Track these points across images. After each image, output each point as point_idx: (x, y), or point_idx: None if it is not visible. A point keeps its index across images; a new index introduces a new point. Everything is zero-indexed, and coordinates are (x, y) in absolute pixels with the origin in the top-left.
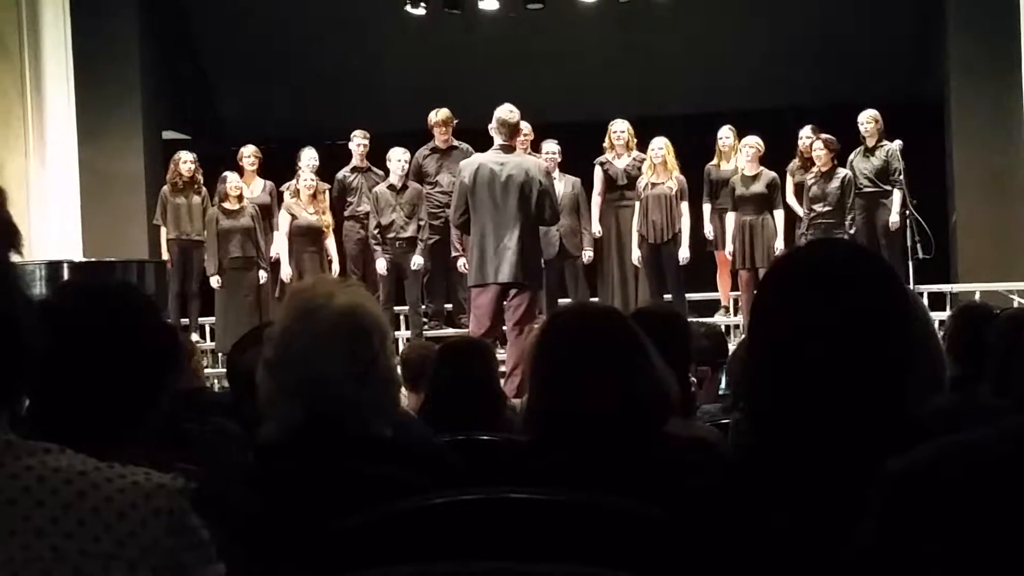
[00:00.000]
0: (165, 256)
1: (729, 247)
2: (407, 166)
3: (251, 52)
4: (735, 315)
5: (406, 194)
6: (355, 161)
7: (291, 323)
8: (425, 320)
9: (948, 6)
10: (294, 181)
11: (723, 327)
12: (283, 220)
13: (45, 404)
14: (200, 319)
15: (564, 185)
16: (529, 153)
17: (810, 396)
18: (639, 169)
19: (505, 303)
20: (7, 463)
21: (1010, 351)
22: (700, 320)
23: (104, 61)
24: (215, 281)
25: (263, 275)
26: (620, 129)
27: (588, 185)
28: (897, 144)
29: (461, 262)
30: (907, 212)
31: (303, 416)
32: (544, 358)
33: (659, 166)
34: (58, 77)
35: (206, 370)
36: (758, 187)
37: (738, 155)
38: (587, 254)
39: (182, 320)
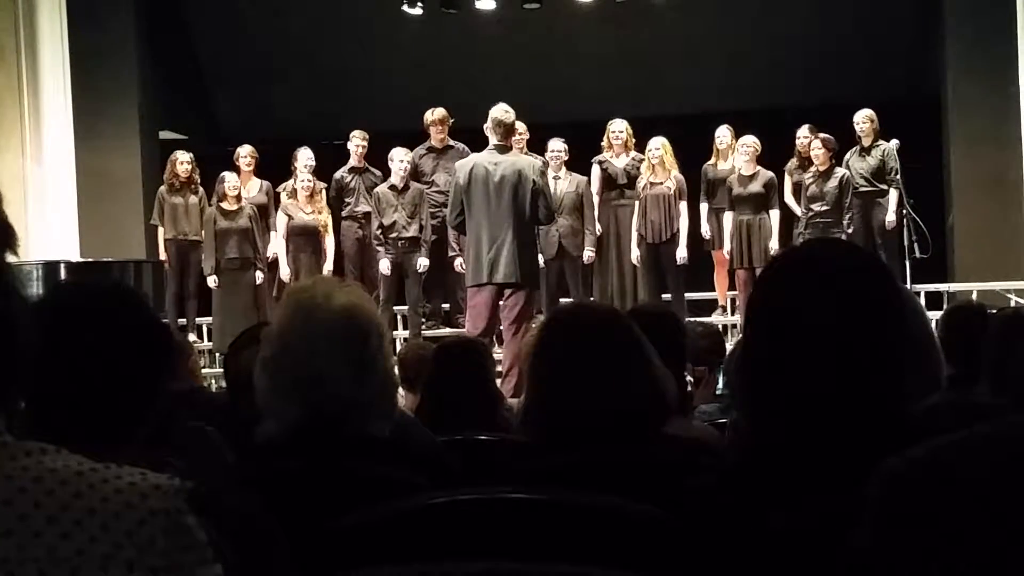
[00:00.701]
0: (162, 256)
1: (727, 246)
2: (409, 166)
3: (248, 52)
4: (732, 314)
5: (408, 194)
6: (353, 161)
7: (288, 323)
8: (423, 320)
9: (945, 6)
10: (291, 181)
11: (720, 326)
12: (280, 221)
13: (41, 405)
14: (198, 319)
15: (568, 184)
16: (526, 153)
17: (806, 396)
18: (638, 168)
19: (501, 302)
20: (3, 464)
21: (1007, 350)
22: (697, 319)
23: (101, 61)
24: (212, 281)
25: (260, 275)
26: (619, 129)
27: None
28: (894, 143)
29: (458, 262)
30: (904, 211)
31: (300, 416)
32: (542, 358)
33: (657, 166)
34: (55, 77)
35: (204, 370)
36: (755, 187)
37: (735, 155)
38: (588, 253)
39: (179, 320)
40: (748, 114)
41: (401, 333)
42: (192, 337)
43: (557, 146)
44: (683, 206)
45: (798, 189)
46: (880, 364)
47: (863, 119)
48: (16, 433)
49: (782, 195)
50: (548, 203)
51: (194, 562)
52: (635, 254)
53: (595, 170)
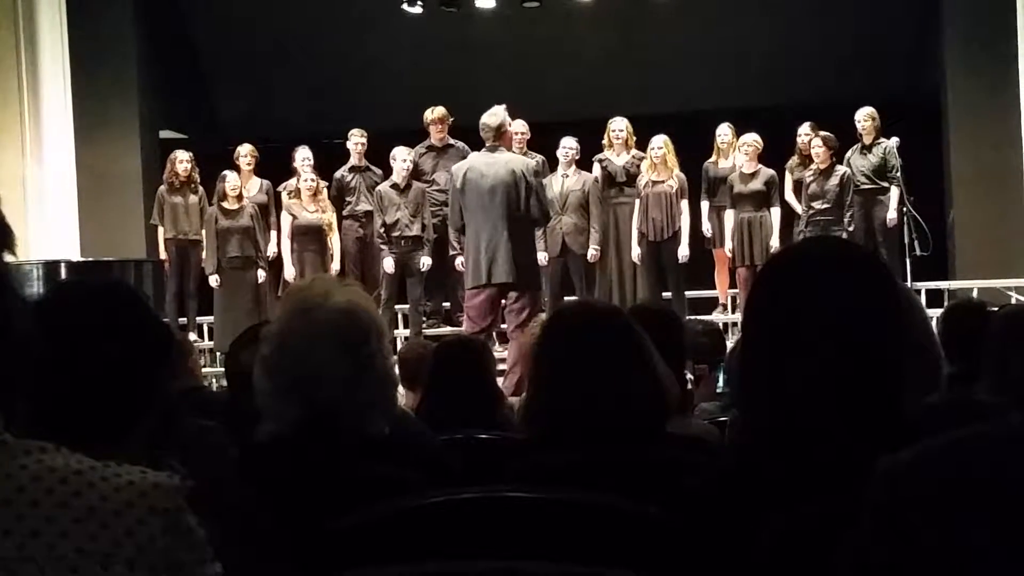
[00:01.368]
0: (162, 256)
1: (728, 244)
2: (411, 165)
3: (248, 51)
4: (733, 312)
5: (410, 193)
6: (353, 160)
7: (288, 322)
8: (425, 319)
9: (945, 4)
10: (292, 181)
11: (721, 324)
12: (284, 221)
13: (40, 404)
14: (198, 318)
15: (575, 182)
16: (525, 152)
17: (804, 395)
18: (638, 167)
19: (507, 305)
20: (2, 463)
21: (1008, 348)
22: (698, 318)
23: (101, 60)
24: (214, 280)
25: (261, 274)
26: (619, 127)
27: None
28: (894, 141)
29: (459, 261)
30: (904, 209)
31: (299, 415)
32: (544, 356)
33: (659, 164)
34: (55, 76)
35: (204, 369)
36: (756, 184)
37: (736, 153)
38: (592, 251)
39: (180, 319)
40: (749, 112)
41: (402, 332)
42: (192, 336)
43: (569, 144)
44: (684, 204)
45: (799, 187)
46: (879, 363)
47: (864, 117)
48: (16, 432)
49: (783, 193)
50: (542, 202)
51: (194, 560)
52: (636, 252)
53: (595, 168)
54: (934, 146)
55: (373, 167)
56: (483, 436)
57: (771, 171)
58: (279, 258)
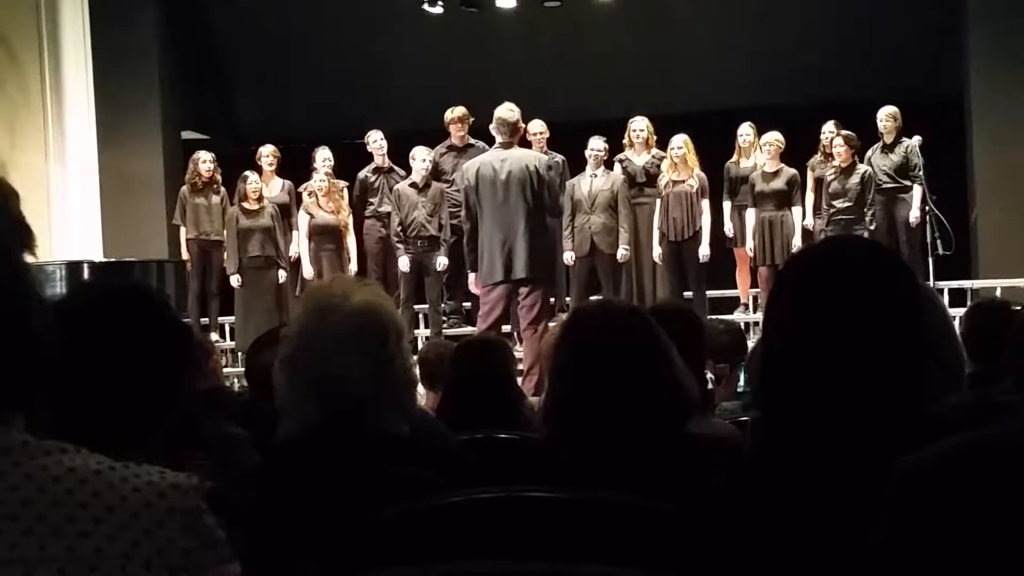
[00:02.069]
0: (185, 256)
1: (749, 244)
2: (430, 165)
3: (269, 52)
4: (755, 312)
5: (428, 193)
6: (377, 161)
7: (307, 322)
8: (445, 319)
9: (968, 2)
10: (312, 181)
11: (742, 324)
12: (302, 220)
13: (61, 405)
14: (220, 318)
15: (604, 182)
16: (544, 152)
17: (825, 394)
18: (658, 167)
19: (519, 302)
20: (23, 463)
21: None
22: (719, 317)
23: (123, 62)
24: (235, 280)
25: (282, 274)
26: (639, 127)
27: None
28: (916, 140)
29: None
30: (927, 208)
31: (319, 415)
32: (565, 356)
33: (680, 164)
34: (77, 78)
35: (226, 369)
36: (778, 183)
37: (759, 151)
38: (622, 251)
39: (202, 319)
40: (770, 111)
41: (422, 332)
42: (214, 336)
43: (597, 144)
44: (705, 204)
45: (820, 185)
46: (900, 362)
47: (886, 116)
48: (37, 433)
49: (804, 192)
50: (555, 195)
51: (212, 560)
52: (656, 252)
53: (616, 168)
54: (957, 144)
55: (396, 168)
56: (503, 436)
57: (793, 170)
58: (300, 258)
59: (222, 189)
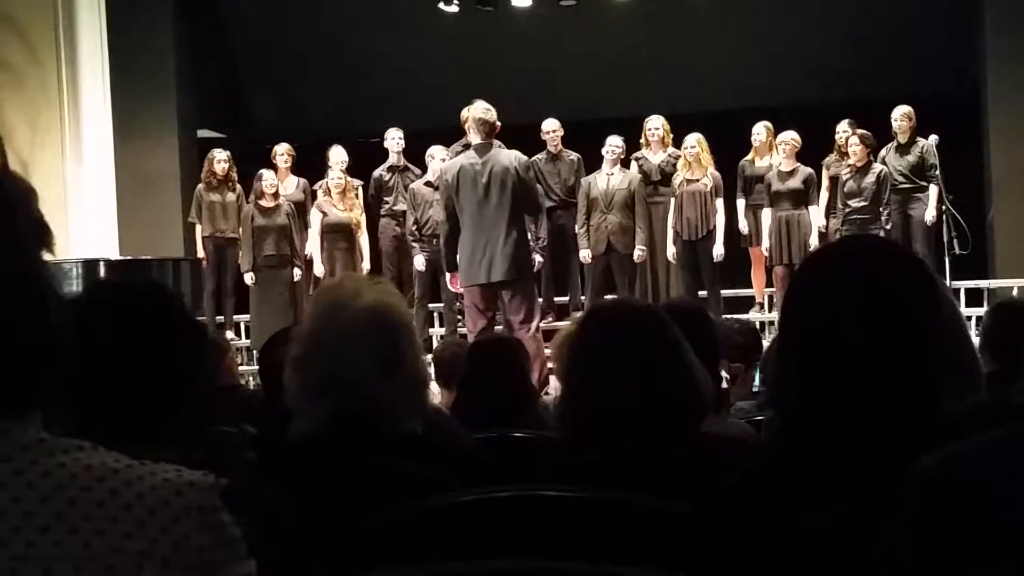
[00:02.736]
0: (200, 254)
1: (765, 243)
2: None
3: (285, 50)
4: (770, 311)
5: None
6: (392, 159)
7: (317, 321)
8: (460, 317)
9: (984, 2)
10: (326, 179)
11: (757, 323)
12: (315, 218)
13: (77, 402)
14: (235, 316)
15: (621, 181)
16: (561, 150)
17: (841, 394)
18: (674, 165)
19: (506, 303)
20: (40, 461)
21: None
22: (734, 316)
23: (139, 60)
24: (249, 278)
25: (297, 273)
26: (655, 126)
27: None
28: (932, 140)
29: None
30: (943, 208)
31: (330, 414)
32: (580, 355)
33: (693, 162)
34: (94, 76)
35: (241, 367)
36: (794, 182)
37: (775, 150)
38: (639, 251)
39: (217, 317)
40: (785, 110)
41: (437, 330)
42: (230, 334)
43: (614, 142)
44: (719, 203)
45: (835, 184)
46: (917, 362)
47: (901, 116)
48: (53, 430)
49: (820, 191)
50: (534, 195)
51: (228, 559)
52: (671, 251)
53: (632, 167)
54: (973, 143)
55: (412, 166)
56: (518, 435)
57: (809, 169)
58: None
59: (238, 187)
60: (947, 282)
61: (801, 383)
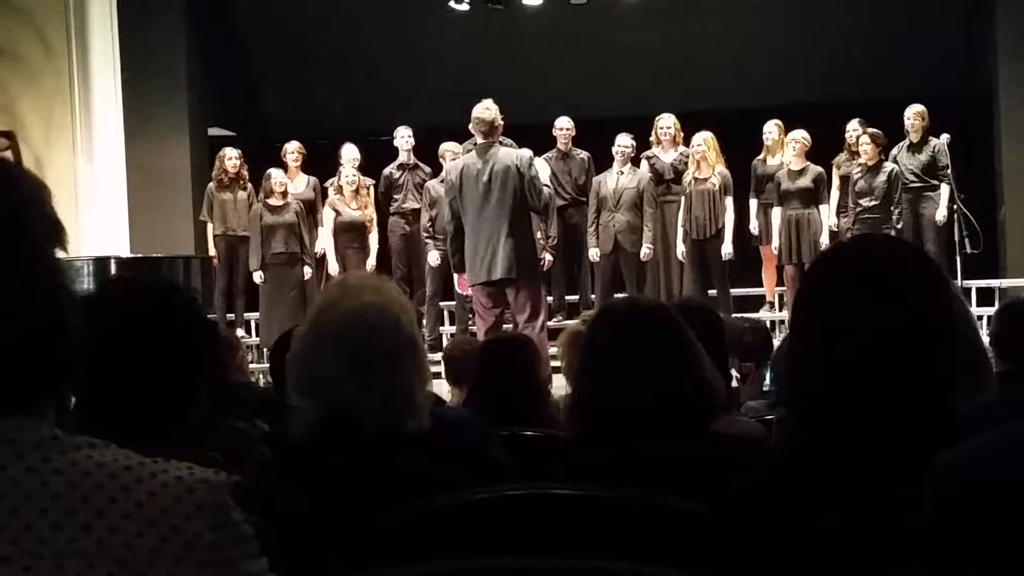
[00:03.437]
0: (211, 252)
1: (775, 242)
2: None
3: (295, 49)
4: (780, 310)
5: None
6: (402, 158)
7: (311, 320)
8: (471, 316)
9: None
10: (337, 177)
11: (768, 322)
12: (327, 216)
13: (89, 400)
14: (246, 314)
15: (630, 179)
16: (570, 149)
17: (852, 393)
18: (685, 164)
19: (511, 303)
20: (52, 458)
21: None
22: (745, 315)
23: (150, 58)
24: (258, 276)
25: (307, 271)
26: (666, 124)
27: None
28: (944, 139)
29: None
30: (955, 207)
31: (321, 414)
32: (591, 353)
33: (702, 161)
34: (105, 75)
35: (251, 365)
36: (804, 181)
37: (784, 150)
38: (645, 250)
39: (228, 315)
40: (796, 109)
41: (448, 328)
42: (240, 332)
43: (624, 141)
44: (728, 202)
45: (845, 183)
46: (929, 361)
47: (913, 115)
48: (66, 428)
49: (830, 190)
50: (539, 191)
51: (240, 556)
52: (680, 250)
53: (643, 165)
54: (984, 143)
55: (422, 164)
56: (529, 433)
57: (819, 168)
58: (325, 255)
59: (248, 185)
60: (958, 282)
61: (812, 382)
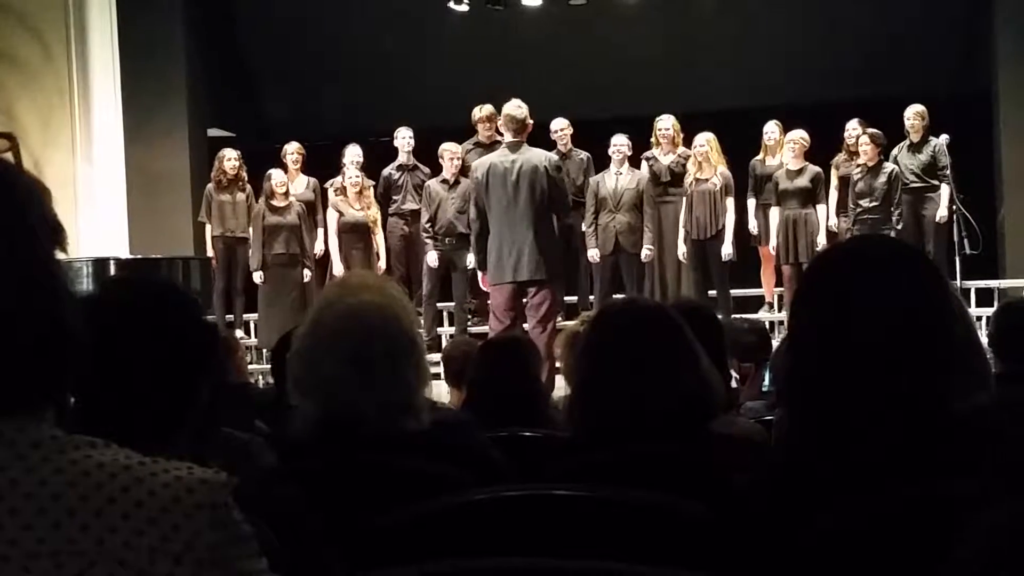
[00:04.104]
0: (210, 253)
1: (773, 242)
2: (459, 161)
3: (295, 50)
4: (779, 311)
5: (458, 189)
6: (401, 158)
7: (310, 320)
8: (469, 316)
9: (995, 0)
10: (339, 178)
11: (767, 323)
12: (331, 218)
13: (88, 400)
14: (245, 315)
15: (629, 180)
16: (570, 149)
17: (852, 393)
18: (683, 165)
19: (526, 301)
20: (52, 458)
21: None
22: (744, 316)
23: (150, 59)
24: (258, 277)
25: (307, 273)
26: (665, 126)
27: None
28: (944, 139)
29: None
30: (954, 207)
31: (320, 414)
32: (591, 354)
33: (703, 162)
34: (104, 76)
35: (251, 366)
36: (802, 181)
37: (783, 150)
38: (646, 251)
39: (227, 317)
40: (795, 109)
41: (446, 329)
42: (239, 333)
43: (620, 141)
44: (730, 202)
45: (844, 183)
46: (928, 362)
47: (913, 115)
48: (66, 428)
49: (828, 190)
50: (564, 194)
51: (240, 556)
52: (681, 251)
53: (643, 167)
54: (984, 143)
55: (421, 165)
56: (527, 434)
57: (817, 168)
58: (326, 256)
59: (247, 186)
60: (958, 282)
61: (810, 383)
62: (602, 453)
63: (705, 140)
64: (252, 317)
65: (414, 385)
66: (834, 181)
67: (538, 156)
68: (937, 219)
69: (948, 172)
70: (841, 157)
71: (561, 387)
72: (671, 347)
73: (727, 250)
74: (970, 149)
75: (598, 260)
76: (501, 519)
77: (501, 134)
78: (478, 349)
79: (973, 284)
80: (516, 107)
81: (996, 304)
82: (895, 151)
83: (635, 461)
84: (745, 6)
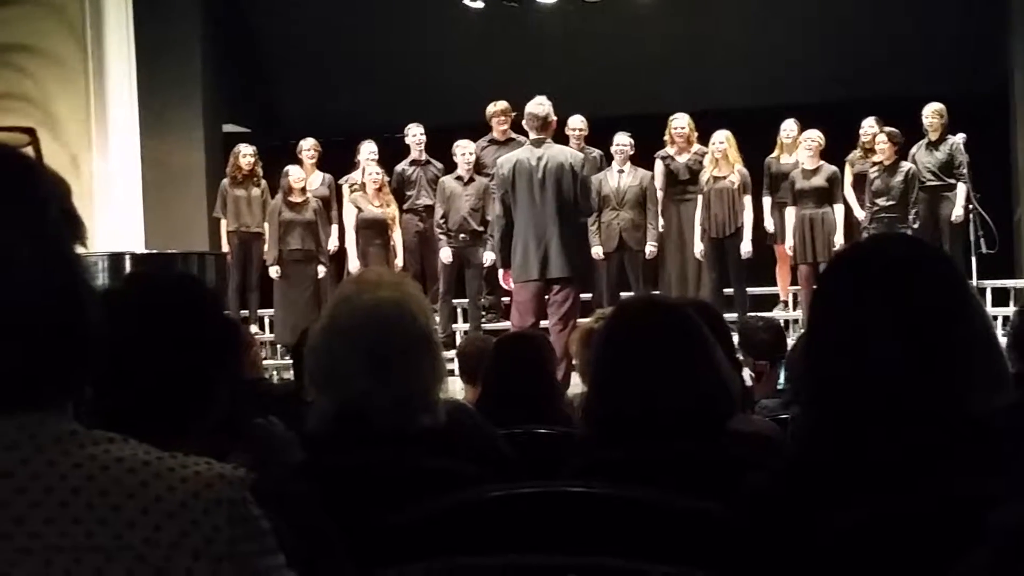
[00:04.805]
0: (225, 248)
1: (789, 241)
2: (473, 158)
3: (310, 46)
4: (794, 310)
5: (472, 186)
6: (413, 154)
7: (325, 316)
8: (484, 313)
9: None
10: (356, 174)
11: (782, 321)
12: (348, 213)
13: (108, 394)
14: (260, 311)
15: (632, 178)
16: (583, 148)
17: (868, 392)
18: (700, 163)
19: (548, 298)
20: (72, 452)
21: None
22: (759, 314)
23: (166, 55)
24: (274, 271)
25: (322, 270)
26: (680, 125)
27: None
28: (960, 138)
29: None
30: (971, 206)
31: (335, 410)
32: (607, 351)
33: (721, 160)
34: (120, 72)
35: (265, 361)
36: (818, 180)
37: (799, 148)
38: (650, 248)
39: (242, 312)
40: (812, 108)
41: (461, 326)
42: (254, 328)
43: (622, 140)
44: (747, 200)
45: (860, 181)
46: (946, 362)
47: (932, 113)
48: (85, 422)
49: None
50: (588, 193)
51: (258, 551)
52: (699, 248)
53: (658, 166)
54: (1001, 142)
55: (434, 161)
56: (542, 431)
57: (834, 167)
58: (341, 252)
59: (262, 182)
60: (974, 282)
61: (828, 382)
62: (618, 451)
63: (724, 138)
64: (267, 312)
65: (430, 381)
66: (848, 178)
67: (563, 153)
68: (953, 219)
69: (965, 171)
70: (856, 154)
71: (576, 384)
72: (688, 345)
73: (746, 247)
74: (986, 148)
75: (602, 257)
76: (516, 516)
77: (515, 131)
78: (493, 345)
79: (989, 283)
80: (538, 104)
81: (1012, 304)
82: (913, 149)
83: (651, 459)
84: (762, 4)
